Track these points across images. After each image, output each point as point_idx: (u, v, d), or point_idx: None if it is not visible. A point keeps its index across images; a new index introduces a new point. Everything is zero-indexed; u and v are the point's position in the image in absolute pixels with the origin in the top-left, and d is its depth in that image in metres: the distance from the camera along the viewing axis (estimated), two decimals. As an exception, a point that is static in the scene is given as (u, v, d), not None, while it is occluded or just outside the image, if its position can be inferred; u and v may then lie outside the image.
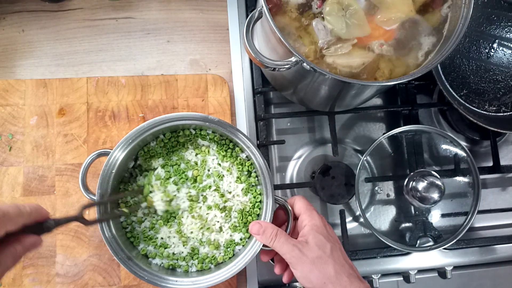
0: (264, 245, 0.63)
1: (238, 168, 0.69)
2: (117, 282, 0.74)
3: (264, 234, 0.61)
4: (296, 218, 0.65)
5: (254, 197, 0.69)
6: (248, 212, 0.68)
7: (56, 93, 0.79)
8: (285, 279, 0.66)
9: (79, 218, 0.57)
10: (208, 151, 0.69)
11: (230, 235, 0.68)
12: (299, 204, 0.64)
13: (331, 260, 0.57)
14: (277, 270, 0.66)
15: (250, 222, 0.66)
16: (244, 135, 0.66)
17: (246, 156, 0.69)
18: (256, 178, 0.69)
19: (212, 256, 0.68)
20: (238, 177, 0.69)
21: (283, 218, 0.68)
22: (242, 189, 0.69)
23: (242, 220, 0.68)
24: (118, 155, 0.65)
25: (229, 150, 0.69)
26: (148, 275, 0.63)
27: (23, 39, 0.82)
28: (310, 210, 0.62)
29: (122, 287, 0.74)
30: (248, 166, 0.69)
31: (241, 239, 0.68)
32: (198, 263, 0.67)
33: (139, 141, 0.66)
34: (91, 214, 0.74)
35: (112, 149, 0.65)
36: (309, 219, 0.61)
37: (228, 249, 0.68)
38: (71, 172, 0.76)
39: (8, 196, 0.75)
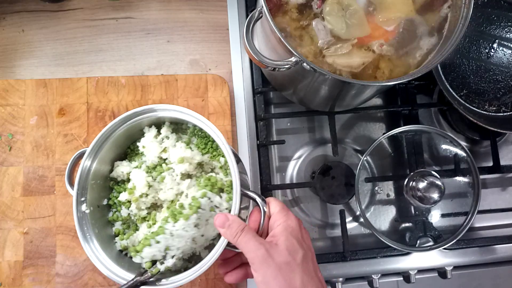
0: (228, 245, 0.56)
1: (213, 154, 0.66)
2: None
3: (230, 228, 0.53)
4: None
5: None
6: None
7: (56, 93, 0.79)
8: (229, 279, 0.59)
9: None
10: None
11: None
12: (274, 203, 0.57)
13: (300, 270, 0.51)
14: (221, 269, 0.59)
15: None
16: (210, 124, 0.61)
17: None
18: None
19: (180, 205, 0.60)
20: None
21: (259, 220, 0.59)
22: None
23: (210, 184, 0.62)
24: (92, 156, 0.64)
25: (209, 143, 0.66)
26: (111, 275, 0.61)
27: (23, 39, 0.82)
28: (286, 210, 0.56)
29: (122, 287, 0.74)
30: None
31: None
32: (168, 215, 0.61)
33: (126, 139, 0.65)
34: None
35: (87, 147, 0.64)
36: (285, 218, 0.55)
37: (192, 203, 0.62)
38: (71, 172, 0.77)
39: (8, 196, 0.75)
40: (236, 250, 0.56)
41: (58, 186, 0.76)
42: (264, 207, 0.57)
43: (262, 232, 0.57)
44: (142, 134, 0.68)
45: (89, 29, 0.84)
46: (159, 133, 0.68)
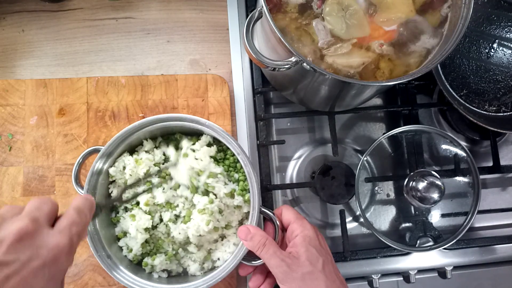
0: (243, 259, 0.61)
1: (228, 169, 0.68)
2: (117, 282, 0.74)
3: (252, 240, 0.57)
4: (284, 230, 0.62)
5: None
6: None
7: (56, 93, 0.79)
8: None
9: None
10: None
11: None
12: (287, 213, 0.61)
13: (323, 276, 0.54)
14: (252, 283, 0.62)
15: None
16: (235, 141, 0.65)
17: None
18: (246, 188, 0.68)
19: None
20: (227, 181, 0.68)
21: (273, 232, 0.64)
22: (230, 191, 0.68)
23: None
24: (107, 157, 0.66)
25: (221, 153, 0.70)
26: (125, 276, 0.63)
27: (23, 39, 0.82)
28: (301, 219, 0.60)
29: (122, 287, 0.74)
30: (239, 171, 0.69)
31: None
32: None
33: (135, 140, 0.66)
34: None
35: (103, 146, 0.65)
36: (301, 229, 0.58)
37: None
38: (71, 172, 0.76)
39: (8, 196, 0.75)
40: (253, 264, 0.60)
41: (58, 186, 0.76)
42: (277, 222, 0.62)
43: (279, 244, 0.60)
44: (152, 138, 0.70)
45: (89, 29, 0.84)
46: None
